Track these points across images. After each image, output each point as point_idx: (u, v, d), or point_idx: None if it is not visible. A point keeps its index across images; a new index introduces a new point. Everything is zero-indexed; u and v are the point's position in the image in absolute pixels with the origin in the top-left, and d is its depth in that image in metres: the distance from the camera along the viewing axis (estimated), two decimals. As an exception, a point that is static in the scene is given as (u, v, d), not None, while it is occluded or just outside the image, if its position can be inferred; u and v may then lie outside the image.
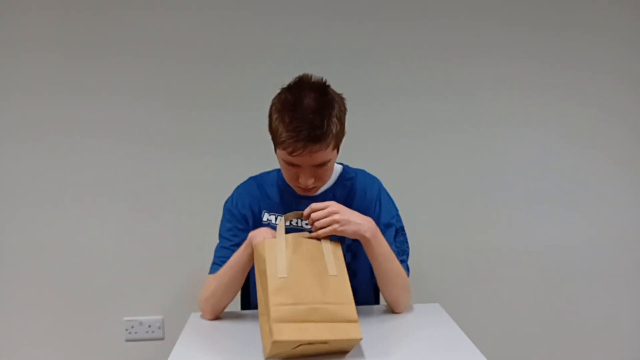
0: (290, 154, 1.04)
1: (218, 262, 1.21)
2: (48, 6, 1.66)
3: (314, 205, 1.07)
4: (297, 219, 1.21)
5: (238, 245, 1.21)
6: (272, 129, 1.08)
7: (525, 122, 1.82)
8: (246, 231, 1.23)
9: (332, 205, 1.07)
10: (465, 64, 1.78)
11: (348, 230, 1.06)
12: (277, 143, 1.07)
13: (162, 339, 1.81)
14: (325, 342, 0.93)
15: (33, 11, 1.66)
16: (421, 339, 1.06)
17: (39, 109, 1.70)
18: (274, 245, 1.03)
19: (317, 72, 1.10)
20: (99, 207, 1.75)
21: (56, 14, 1.67)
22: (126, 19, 1.68)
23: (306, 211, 1.08)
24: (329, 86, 1.09)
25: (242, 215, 1.24)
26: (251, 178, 1.32)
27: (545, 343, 1.90)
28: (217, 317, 1.19)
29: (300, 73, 1.10)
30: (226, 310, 1.21)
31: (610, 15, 1.79)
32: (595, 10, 1.79)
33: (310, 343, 0.92)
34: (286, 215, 1.14)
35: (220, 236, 1.26)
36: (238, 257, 1.13)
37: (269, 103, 1.11)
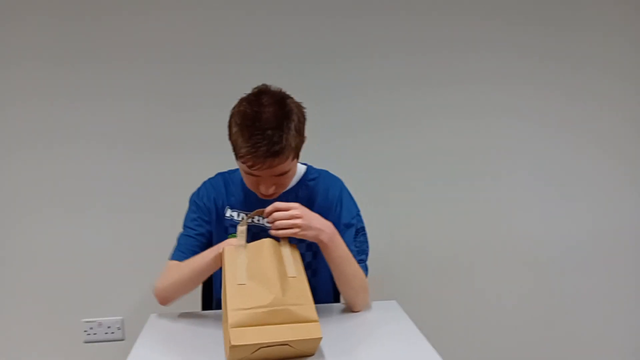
0: (249, 167, 1.06)
1: (181, 249, 1.22)
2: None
3: (278, 204, 1.08)
4: (259, 216, 1.22)
5: (202, 235, 1.24)
6: (232, 141, 1.09)
7: (496, 113, 1.83)
8: (210, 223, 1.26)
9: (296, 209, 1.07)
10: (465, 57, 1.78)
11: (309, 234, 1.08)
12: (237, 155, 1.08)
13: (122, 339, 1.79)
14: (285, 344, 0.94)
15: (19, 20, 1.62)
16: (377, 337, 1.09)
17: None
18: (233, 252, 1.05)
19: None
20: (55, 209, 1.71)
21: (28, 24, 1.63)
22: (100, 22, 1.65)
23: (269, 209, 1.08)
24: (287, 97, 1.09)
25: (206, 208, 1.27)
26: (219, 174, 1.33)
27: (513, 338, 1.95)
28: (167, 303, 1.19)
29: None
30: (186, 311, 1.22)
31: (607, 9, 1.80)
32: (592, 5, 1.80)
33: (270, 345, 0.92)
34: (248, 215, 1.15)
35: (185, 226, 1.27)
36: (201, 260, 1.14)
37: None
